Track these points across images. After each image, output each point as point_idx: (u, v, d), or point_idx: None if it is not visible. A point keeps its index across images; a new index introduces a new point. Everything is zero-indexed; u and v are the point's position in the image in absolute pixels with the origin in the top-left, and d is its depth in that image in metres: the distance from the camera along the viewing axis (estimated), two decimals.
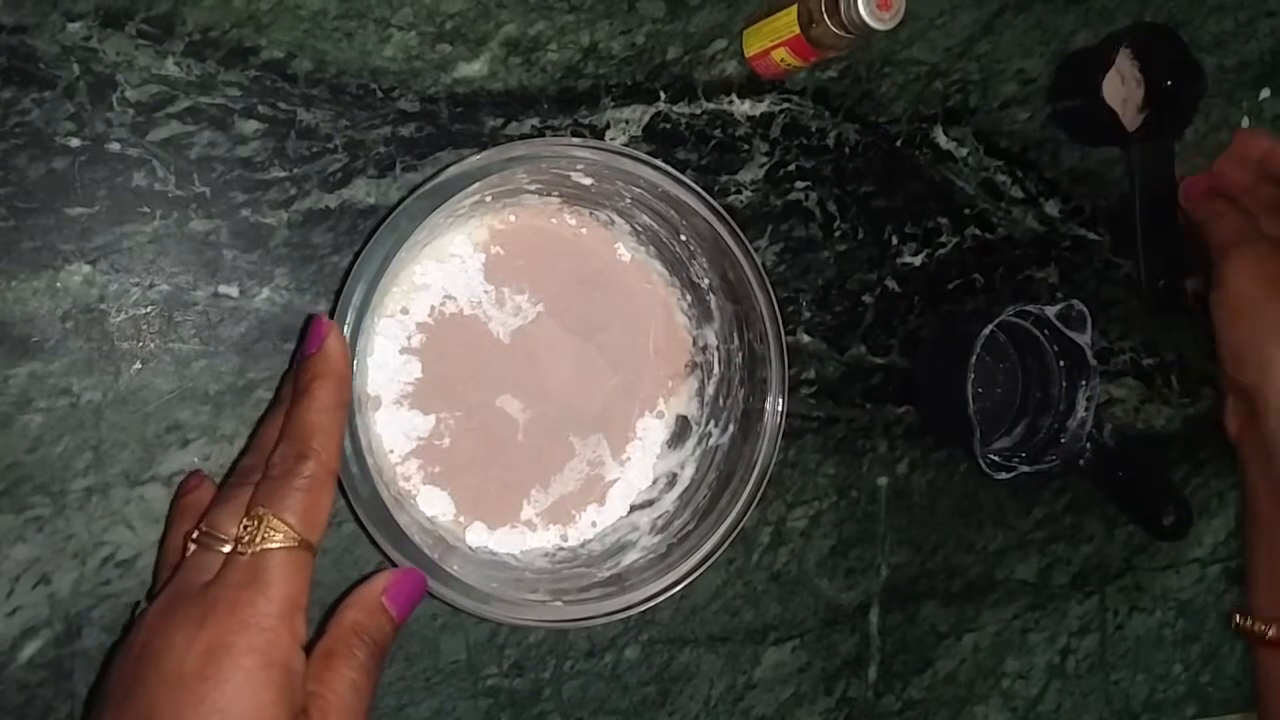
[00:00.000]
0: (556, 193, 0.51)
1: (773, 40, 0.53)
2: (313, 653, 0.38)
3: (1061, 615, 0.65)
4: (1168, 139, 0.63)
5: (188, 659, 0.34)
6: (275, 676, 0.35)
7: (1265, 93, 0.69)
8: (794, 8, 0.52)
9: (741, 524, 0.49)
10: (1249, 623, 0.58)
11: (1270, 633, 0.56)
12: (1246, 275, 0.57)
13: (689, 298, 0.54)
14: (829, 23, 0.50)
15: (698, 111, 0.55)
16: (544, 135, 0.52)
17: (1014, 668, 0.64)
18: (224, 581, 0.36)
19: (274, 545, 0.36)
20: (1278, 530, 0.58)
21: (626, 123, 0.54)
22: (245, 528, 0.37)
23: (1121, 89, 0.62)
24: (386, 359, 0.49)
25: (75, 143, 0.45)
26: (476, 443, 0.50)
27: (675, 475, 0.54)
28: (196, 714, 0.34)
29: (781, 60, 0.54)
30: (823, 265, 0.59)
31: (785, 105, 0.57)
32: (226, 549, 0.38)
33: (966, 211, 0.62)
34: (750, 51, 0.56)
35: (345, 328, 0.42)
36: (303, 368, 0.41)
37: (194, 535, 0.39)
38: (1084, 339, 0.59)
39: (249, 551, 0.36)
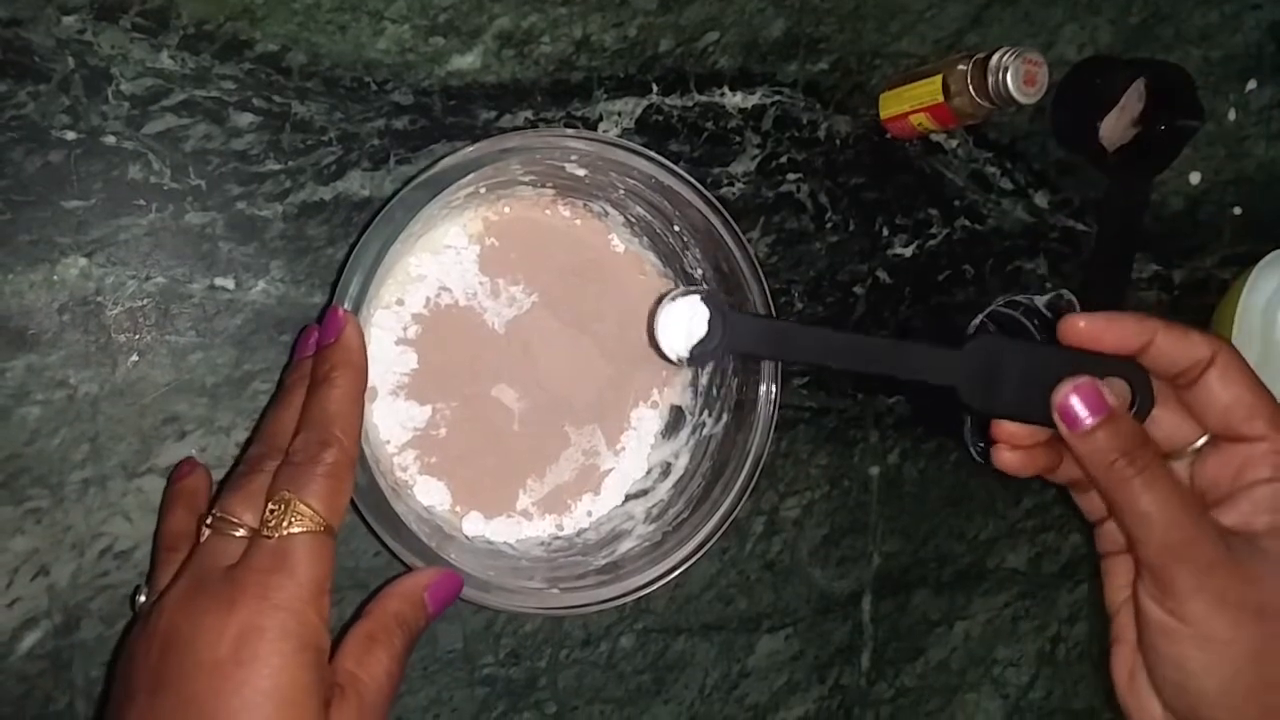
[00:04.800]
0: (550, 184, 0.51)
1: (913, 105, 0.56)
2: (352, 634, 0.39)
3: (1052, 603, 0.66)
4: (1149, 172, 0.64)
5: (221, 644, 0.35)
6: (310, 658, 0.35)
7: (1252, 84, 0.69)
8: (938, 77, 0.54)
9: (735, 513, 0.49)
10: None
11: None
12: (1204, 597, 0.35)
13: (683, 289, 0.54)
14: (974, 94, 0.53)
15: (690, 104, 0.56)
16: (537, 127, 0.52)
17: (1005, 655, 0.65)
18: (250, 565, 0.36)
19: (299, 529, 0.37)
20: None
21: (619, 115, 0.54)
22: (271, 512, 0.37)
23: (1118, 109, 0.62)
24: (383, 350, 0.49)
25: (70, 136, 0.45)
26: (472, 433, 0.51)
27: (669, 465, 0.54)
28: (238, 698, 0.34)
29: (919, 124, 0.56)
30: (814, 256, 0.59)
31: (777, 98, 0.57)
32: (240, 533, 0.38)
33: (956, 203, 0.62)
34: (887, 114, 0.58)
35: None
36: (321, 357, 0.41)
37: (208, 520, 0.39)
38: None
39: (275, 535, 0.37)
